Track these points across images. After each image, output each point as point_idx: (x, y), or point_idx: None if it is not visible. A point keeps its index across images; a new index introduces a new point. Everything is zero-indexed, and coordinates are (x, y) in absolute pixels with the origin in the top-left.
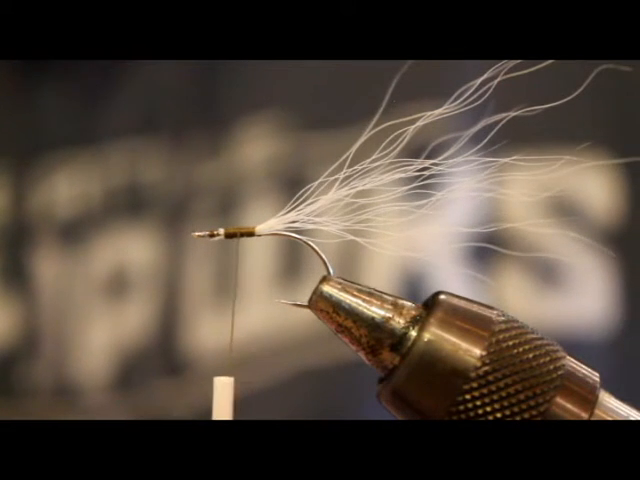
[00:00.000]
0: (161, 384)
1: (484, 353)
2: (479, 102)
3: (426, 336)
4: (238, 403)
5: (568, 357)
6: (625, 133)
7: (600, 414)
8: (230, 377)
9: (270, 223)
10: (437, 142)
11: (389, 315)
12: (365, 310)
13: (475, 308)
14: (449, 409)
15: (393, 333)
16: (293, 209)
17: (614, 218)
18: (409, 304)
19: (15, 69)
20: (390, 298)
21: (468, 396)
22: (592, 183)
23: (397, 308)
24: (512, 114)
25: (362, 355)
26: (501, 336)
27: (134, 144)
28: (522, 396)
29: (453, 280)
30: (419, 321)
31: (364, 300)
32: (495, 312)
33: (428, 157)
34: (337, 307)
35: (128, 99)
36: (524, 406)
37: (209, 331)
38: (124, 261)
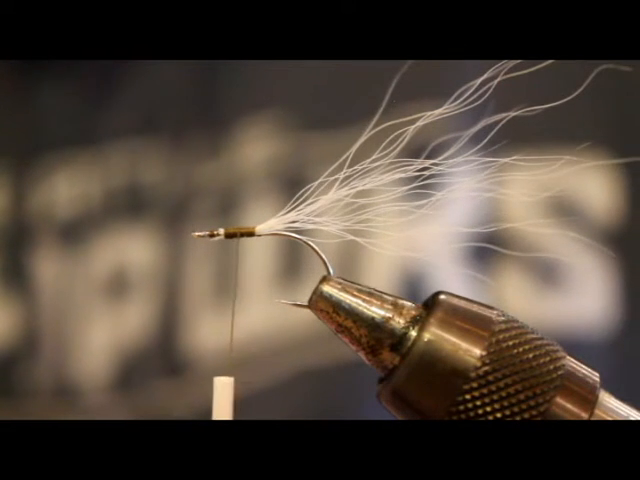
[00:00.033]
0: (161, 384)
1: (484, 353)
2: (479, 102)
3: (426, 336)
4: (238, 403)
5: (568, 357)
6: (625, 133)
7: (600, 414)
8: (230, 377)
9: (270, 223)
10: (437, 142)
11: (389, 315)
12: (365, 310)
13: (475, 308)
14: (449, 409)
15: (393, 333)
16: (293, 209)
17: (614, 218)
18: (409, 304)
19: (15, 69)
20: (390, 298)
21: (468, 396)
22: (592, 183)
23: (397, 308)
24: (512, 114)
25: (362, 355)
26: (501, 336)
27: (134, 144)
28: (522, 396)
29: (453, 280)
30: (419, 321)
31: (364, 300)
32: (495, 312)
33: (428, 157)
34: (337, 307)
35: (128, 99)
36: (524, 406)
37: (209, 331)
38: (124, 261)
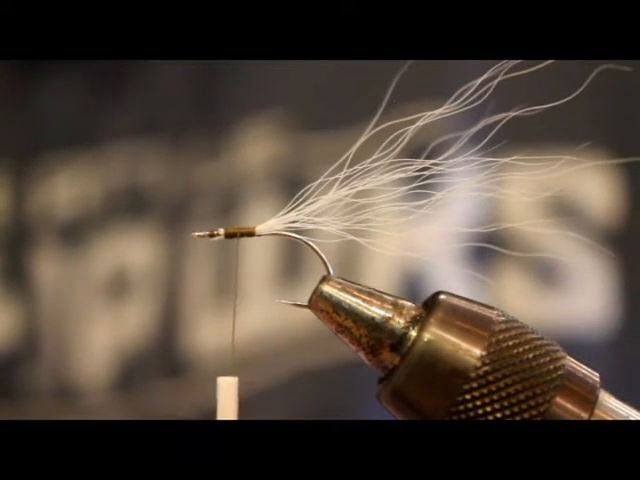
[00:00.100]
0: (161, 385)
1: (484, 353)
2: (479, 102)
3: (426, 336)
4: (244, 403)
5: (568, 357)
6: (625, 133)
7: (600, 414)
8: (234, 377)
9: (270, 223)
10: (437, 142)
11: (389, 315)
12: (365, 310)
13: (475, 308)
14: (449, 409)
15: (393, 333)
16: (293, 209)
17: (614, 218)
18: (409, 304)
19: (15, 69)
20: (390, 298)
21: (468, 396)
22: (592, 183)
23: (397, 308)
24: (512, 114)
25: (362, 355)
26: (501, 336)
27: (134, 145)
28: (522, 396)
29: (453, 280)
30: (419, 321)
31: (364, 300)
32: (495, 312)
33: (428, 157)
34: (337, 307)
35: (128, 100)
36: (524, 406)
37: (209, 332)
38: (124, 262)
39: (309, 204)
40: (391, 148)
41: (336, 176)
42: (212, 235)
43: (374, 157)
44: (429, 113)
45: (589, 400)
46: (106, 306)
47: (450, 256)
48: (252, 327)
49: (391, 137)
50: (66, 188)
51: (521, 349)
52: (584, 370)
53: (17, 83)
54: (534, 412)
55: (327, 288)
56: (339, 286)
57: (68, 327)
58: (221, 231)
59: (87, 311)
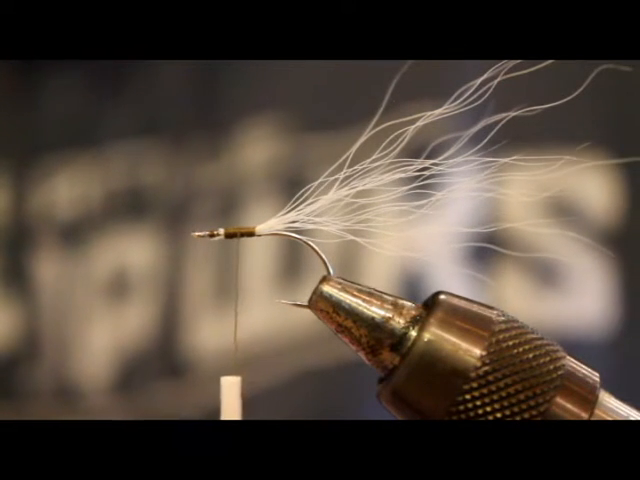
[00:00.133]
0: (162, 386)
1: (484, 353)
2: (479, 102)
3: (426, 336)
4: (246, 402)
5: (568, 357)
6: (625, 133)
7: (600, 414)
8: (237, 376)
9: (270, 223)
10: (437, 142)
11: (389, 315)
12: (365, 310)
13: (475, 308)
14: (449, 409)
15: (393, 333)
16: (293, 209)
17: (613, 218)
18: (409, 304)
19: (15, 70)
20: (390, 298)
21: (468, 396)
22: (591, 183)
23: (397, 308)
24: (512, 114)
25: (362, 355)
26: (501, 336)
27: (135, 146)
28: (522, 396)
29: (453, 280)
30: (419, 321)
31: (364, 300)
32: (495, 312)
33: (428, 157)
34: (337, 307)
35: (129, 101)
36: (524, 406)
37: (210, 333)
38: (125, 263)
39: (309, 204)
40: (391, 148)
41: (336, 176)
42: (212, 235)
43: (374, 157)
44: (429, 113)
45: (589, 400)
46: (106, 307)
47: (450, 256)
48: (252, 327)
49: (391, 137)
50: (66, 189)
51: (521, 349)
52: (584, 370)
53: (17, 83)
54: (534, 412)
55: (327, 288)
56: (339, 286)
57: (68, 327)
58: (221, 231)
59: (87, 311)
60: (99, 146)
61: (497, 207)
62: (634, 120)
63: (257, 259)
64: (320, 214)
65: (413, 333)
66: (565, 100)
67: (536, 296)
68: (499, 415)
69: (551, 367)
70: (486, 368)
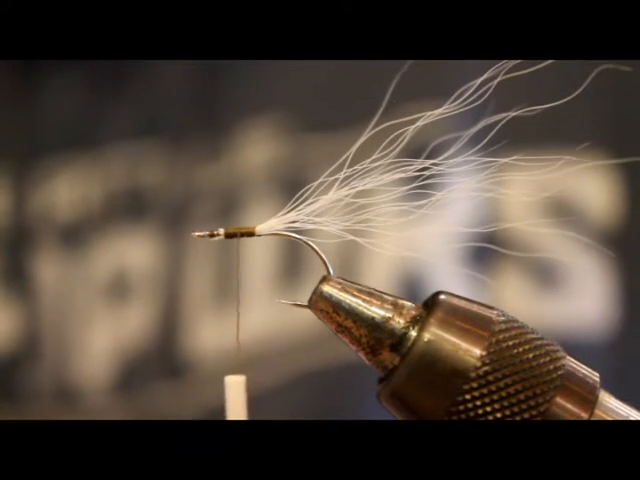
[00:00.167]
0: (162, 387)
1: (484, 353)
2: (479, 102)
3: (426, 336)
4: (251, 401)
5: (568, 357)
6: (625, 133)
7: (600, 414)
8: (242, 375)
9: (270, 223)
10: (437, 142)
11: (389, 315)
12: (365, 310)
13: (475, 308)
14: (449, 409)
15: (393, 333)
16: (293, 209)
17: (613, 218)
18: (409, 304)
19: (16, 70)
20: (390, 298)
21: (468, 396)
22: (591, 183)
23: (397, 308)
24: (512, 114)
25: (362, 355)
26: (501, 336)
27: (135, 147)
28: (522, 396)
29: (453, 280)
30: (419, 321)
31: (364, 300)
32: (495, 312)
33: (428, 157)
34: (337, 307)
35: (129, 102)
36: (524, 406)
37: (210, 334)
38: (125, 264)
39: (309, 204)
40: (391, 148)
41: (336, 176)
42: (212, 235)
43: (374, 157)
44: (429, 113)
45: (589, 400)
46: (107, 308)
47: (450, 256)
48: (253, 328)
49: (391, 137)
50: (66, 190)
51: (521, 349)
52: (584, 370)
53: (18, 85)
54: (534, 412)
55: (327, 288)
56: (339, 286)
57: (69, 329)
58: (221, 231)
59: (88, 313)
60: (99, 147)
61: (497, 207)
62: (634, 120)
63: (257, 259)
64: (320, 214)
65: (413, 333)
66: (565, 100)
67: (536, 296)
68: (499, 415)
69: (551, 367)
70: (486, 368)
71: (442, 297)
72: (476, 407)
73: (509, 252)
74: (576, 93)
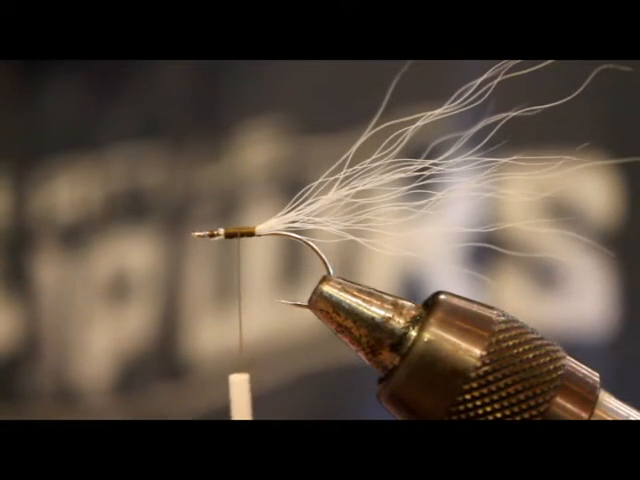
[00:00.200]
0: (162, 388)
1: (484, 353)
2: (479, 102)
3: (426, 336)
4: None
5: (568, 357)
6: (625, 133)
7: (600, 414)
8: (245, 374)
9: (270, 223)
10: (437, 142)
11: (389, 315)
12: (365, 310)
13: (475, 308)
14: (449, 409)
15: (393, 333)
16: (293, 209)
17: (613, 218)
18: (409, 304)
19: (16, 71)
20: (390, 298)
21: (468, 396)
22: (591, 183)
23: (397, 308)
24: (512, 114)
25: (362, 355)
26: (501, 336)
27: (135, 148)
28: (522, 396)
29: (453, 280)
30: (419, 321)
31: (364, 300)
32: (495, 312)
33: (428, 157)
34: (337, 307)
35: (129, 103)
36: (524, 406)
37: (210, 334)
38: (125, 265)
39: (309, 204)
40: (391, 148)
41: (336, 176)
42: (212, 235)
43: (374, 157)
44: (429, 113)
45: (589, 400)
46: (107, 309)
47: (450, 256)
48: (253, 328)
49: (391, 137)
50: (67, 191)
51: (521, 349)
52: (584, 370)
53: (18, 86)
54: (534, 412)
55: (327, 288)
56: (339, 286)
57: (69, 329)
58: (221, 231)
59: (88, 314)
60: (99, 148)
61: (497, 207)
62: (634, 120)
63: (257, 259)
64: (320, 214)
65: (413, 333)
66: (565, 100)
67: (536, 296)
68: (499, 415)
69: (551, 367)
70: (486, 368)
71: (442, 297)
72: (476, 407)
73: (509, 252)
74: (576, 93)
